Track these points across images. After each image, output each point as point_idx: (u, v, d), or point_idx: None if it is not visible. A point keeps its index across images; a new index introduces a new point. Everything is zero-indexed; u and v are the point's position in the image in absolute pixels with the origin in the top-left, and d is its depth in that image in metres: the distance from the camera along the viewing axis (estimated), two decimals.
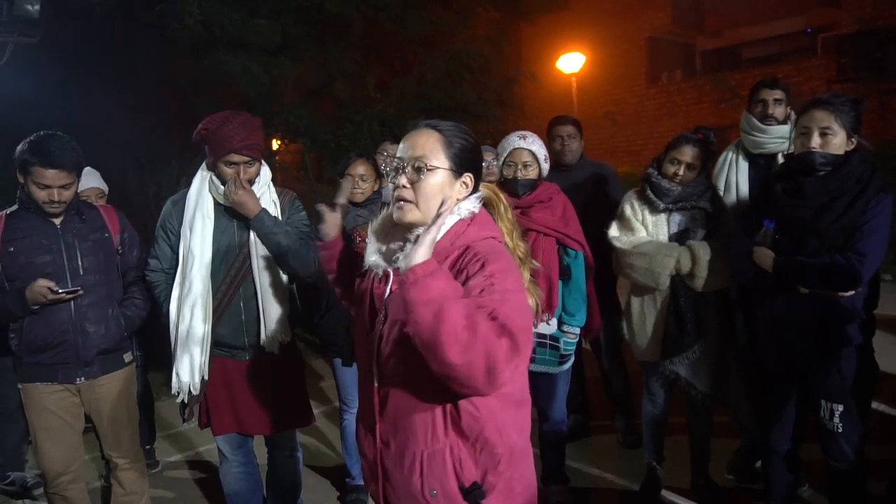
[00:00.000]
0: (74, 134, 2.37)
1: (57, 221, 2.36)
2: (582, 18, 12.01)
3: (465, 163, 1.44)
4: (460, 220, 1.41)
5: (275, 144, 8.52)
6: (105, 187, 3.40)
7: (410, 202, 1.40)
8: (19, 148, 2.26)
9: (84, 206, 2.49)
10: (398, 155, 1.44)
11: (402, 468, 1.39)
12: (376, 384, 1.42)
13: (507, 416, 1.38)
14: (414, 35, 7.99)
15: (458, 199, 1.44)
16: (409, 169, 1.40)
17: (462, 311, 1.16)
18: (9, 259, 2.30)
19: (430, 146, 1.40)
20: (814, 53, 11.22)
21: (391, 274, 1.41)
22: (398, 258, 1.37)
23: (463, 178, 1.44)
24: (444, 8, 8.39)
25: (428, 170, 1.39)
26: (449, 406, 1.35)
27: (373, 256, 1.48)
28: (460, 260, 1.35)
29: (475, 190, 1.48)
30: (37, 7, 4.87)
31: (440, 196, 1.38)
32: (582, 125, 3.63)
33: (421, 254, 1.21)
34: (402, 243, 1.44)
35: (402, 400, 1.38)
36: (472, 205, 1.44)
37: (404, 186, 1.40)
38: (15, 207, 2.38)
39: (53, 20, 4.94)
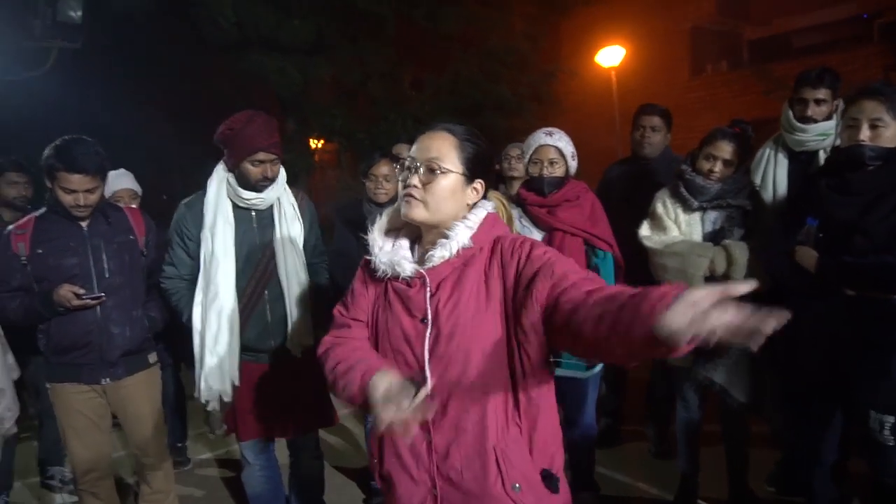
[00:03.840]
0: (116, 140, 2.41)
1: (84, 224, 2.40)
2: (621, 11, 11.72)
3: (477, 169, 1.42)
4: (488, 213, 1.43)
5: (312, 144, 8.60)
6: (138, 189, 3.46)
7: (419, 200, 1.38)
8: (45, 153, 2.30)
9: (110, 209, 2.52)
10: (410, 154, 1.42)
11: (472, 471, 1.34)
12: (429, 392, 1.34)
13: (552, 394, 1.41)
14: (448, 32, 7.93)
15: (468, 205, 1.42)
16: (422, 169, 1.38)
17: None
18: (37, 261, 2.35)
19: (444, 149, 1.39)
20: (870, 40, 10.67)
21: (426, 276, 1.37)
22: (432, 256, 1.37)
23: (474, 185, 1.42)
24: (480, 4, 8.30)
25: (441, 172, 1.37)
26: (513, 392, 1.35)
27: (401, 261, 1.41)
28: (500, 248, 1.37)
29: (484, 197, 1.46)
30: (79, 13, 4.99)
31: (450, 200, 1.39)
32: (635, 120, 3.41)
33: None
34: (429, 245, 1.41)
35: (467, 400, 1.34)
36: (491, 204, 1.47)
37: (415, 185, 1.38)
38: (43, 210, 2.43)
39: (94, 26, 5.06)
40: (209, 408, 2.36)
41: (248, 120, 2.26)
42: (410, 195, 1.38)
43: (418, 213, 1.38)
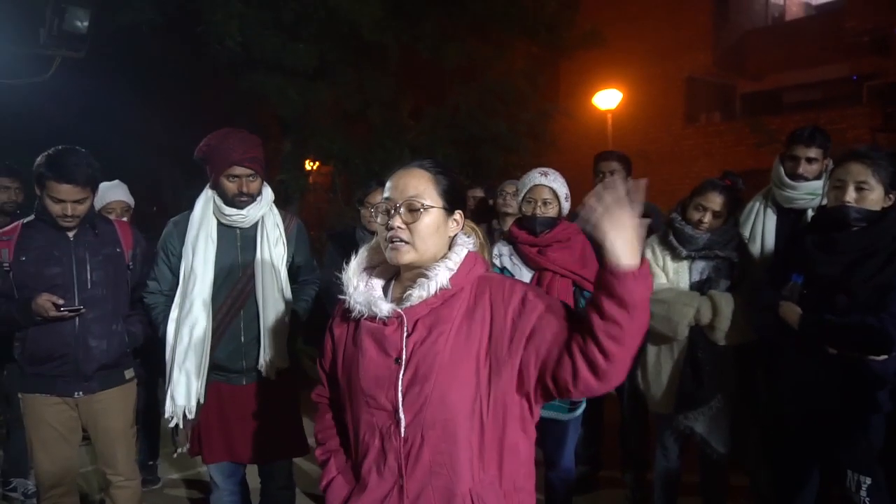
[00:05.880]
0: (111, 151, 2.41)
1: (71, 234, 2.38)
2: (620, 56, 11.99)
3: (455, 201, 1.42)
4: (469, 252, 1.42)
5: (308, 166, 8.63)
6: (131, 201, 3.43)
7: (407, 243, 1.36)
8: (37, 161, 2.29)
9: (99, 221, 2.50)
10: (386, 196, 1.40)
11: None
12: (403, 436, 1.33)
13: (526, 429, 1.40)
14: (450, 65, 8.05)
15: (450, 237, 1.43)
16: (402, 210, 1.36)
17: None
18: (20, 268, 2.32)
19: (421, 185, 1.38)
20: (858, 101, 10.98)
21: (404, 316, 1.35)
22: (410, 295, 1.35)
23: (454, 216, 1.42)
24: (482, 40, 8.45)
25: (423, 209, 1.36)
26: (488, 434, 1.33)
27: (377, 301, 1.39)
28: (489, 289, 1.36)
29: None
30: (86, 23, 5.04)
31: (435, 236, 1.39)
32: (595, 167, 3.49)
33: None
34: (408, 285, 1.39)
35: (441, 442, 1.32)
36: (472, 240, 1.47)
37: (399, 227, 1.36)
38: (31, 217, 2.41)
39: (98, 37, 5.09)
40: (171, 424, 2.32)
41: (224, 135, 2.28)
42: (398, 238, 1.35)
43: (407, 256, 1.36)
